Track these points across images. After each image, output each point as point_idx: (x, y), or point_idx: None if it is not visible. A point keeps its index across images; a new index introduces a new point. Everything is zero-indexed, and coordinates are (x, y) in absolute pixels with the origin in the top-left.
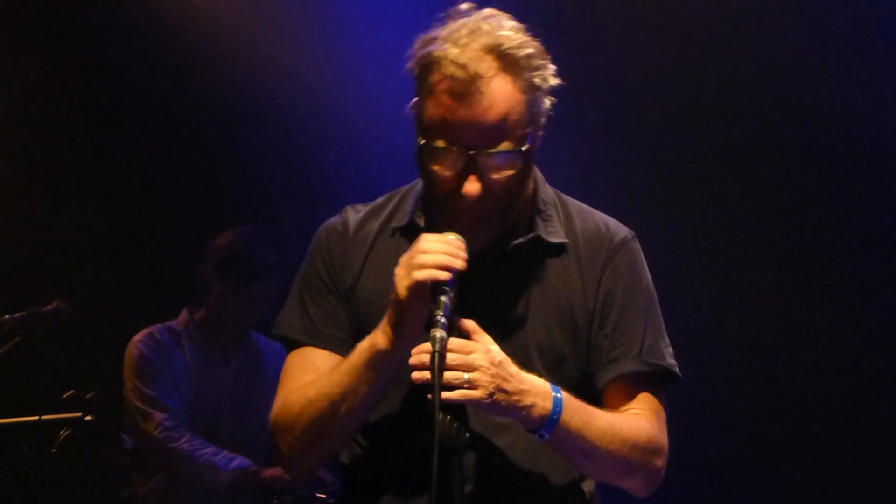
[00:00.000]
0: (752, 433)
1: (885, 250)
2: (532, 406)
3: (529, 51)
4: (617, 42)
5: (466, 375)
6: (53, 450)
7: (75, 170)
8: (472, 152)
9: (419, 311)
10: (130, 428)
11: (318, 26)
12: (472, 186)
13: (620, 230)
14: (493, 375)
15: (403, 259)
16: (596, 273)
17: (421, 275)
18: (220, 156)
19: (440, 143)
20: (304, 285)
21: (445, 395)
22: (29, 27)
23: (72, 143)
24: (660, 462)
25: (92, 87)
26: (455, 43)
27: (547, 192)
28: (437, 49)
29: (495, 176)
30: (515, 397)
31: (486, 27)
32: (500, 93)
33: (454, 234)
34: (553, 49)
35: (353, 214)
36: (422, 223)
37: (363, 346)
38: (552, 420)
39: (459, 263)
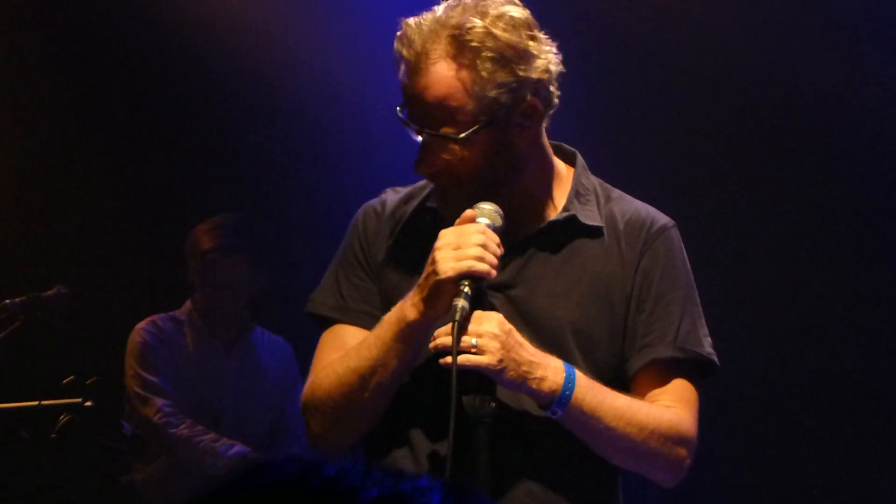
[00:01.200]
0: (772, 429)
1: None
2: (542, 379)
3: (490, 42)
4: (637, 40)
5: (474, 340)
6: (53, 435)
7: (78, 154)
8: (420, 129)
9: (454, 289)
10: (131, 416)
11: (323, 13)
12: (416, 160)
13: (661, 217)
14: (502, 342)
15: (450, 238)
16: (634, 257)
17: (479, 267)
18: (226, 142)
19: (400, 112)
20: (339, 264)
21: (452, 359)
22: (28, 14)
23: (74, 128)
24: (682, 452)
25: (95, 72)
26: (422, 18)
27: (589, 179)
28: (409, 19)
29: (443, 156)
30: (525, 368)
31: (461, 10)
32: (438, 77)
33: (491, 204)
34: (583, 46)
35: (392, 195)
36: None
37: (391, 319)
38: (564, 396)
39: (494, 273)
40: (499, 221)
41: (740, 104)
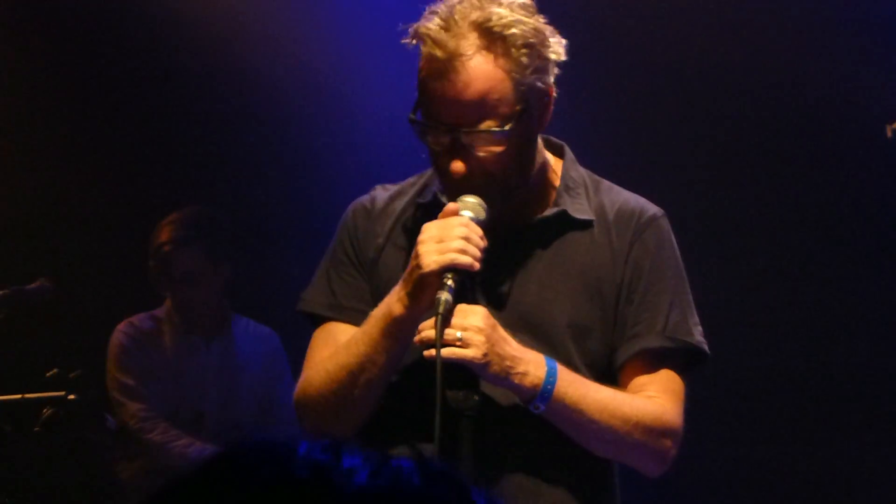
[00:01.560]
0: (764, 422)
1: None
2: (525, 374)
3: (519, 29)
4: (625, 29)
5: (459, 333)
6: (36, 428)
7: (62, 145)
8: (454, 130)
9: (438, 283)
10: (116, 415)
11: (311, 7)
12: (456, 165)
13: (650, 207)
14: (487, 336)
15: (433, 231)
16: (624, 247)
17: (462, 259)
18: (213, 137)
19: (426, 119)
20: (330, 261)
21: (435, 351)
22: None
23: (59, 121)
24: (667, 443)
25: (80, 66)
26: (442, 17)
27: (578, 171)
28: (424, 23)
29: (480, 154)
30: (508, 363)
31: (468, 4)
32: (479, 71)
33: (475, 197)
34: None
35: (382, 192)
36: (445, 200)
37: (378, 315)
38: (546, 390)
39: (477, 266)
40: (483, 214)
41: (732, 94)
